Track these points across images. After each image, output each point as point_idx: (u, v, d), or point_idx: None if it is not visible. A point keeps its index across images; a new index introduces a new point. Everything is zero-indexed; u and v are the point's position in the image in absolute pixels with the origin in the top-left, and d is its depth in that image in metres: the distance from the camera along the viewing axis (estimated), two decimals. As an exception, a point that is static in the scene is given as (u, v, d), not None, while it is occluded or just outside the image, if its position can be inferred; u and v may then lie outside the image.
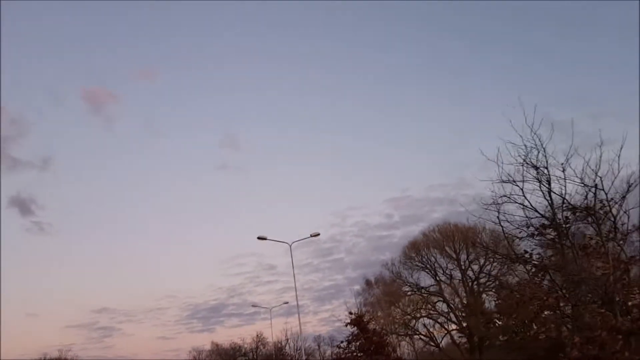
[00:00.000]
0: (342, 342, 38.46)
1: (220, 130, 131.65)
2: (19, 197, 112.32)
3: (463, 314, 52.54)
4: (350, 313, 38.57)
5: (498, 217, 13.98)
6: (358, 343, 36.98)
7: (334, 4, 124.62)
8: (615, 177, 13.50)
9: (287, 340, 49.81)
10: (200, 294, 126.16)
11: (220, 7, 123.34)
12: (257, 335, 56.48)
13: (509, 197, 13.81)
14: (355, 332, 37.43)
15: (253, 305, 61.26)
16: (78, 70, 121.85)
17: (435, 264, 54.28)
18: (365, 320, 37.77)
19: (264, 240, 41.04)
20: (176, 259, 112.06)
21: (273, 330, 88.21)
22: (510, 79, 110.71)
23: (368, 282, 64.59)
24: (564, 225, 14.55)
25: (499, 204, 13.88)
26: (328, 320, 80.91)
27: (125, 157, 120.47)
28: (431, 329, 53.64)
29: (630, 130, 14.08)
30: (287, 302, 56.86)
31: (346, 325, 38.40)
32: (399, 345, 54.20)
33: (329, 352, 61.17)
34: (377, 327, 40.25)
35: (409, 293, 54.75)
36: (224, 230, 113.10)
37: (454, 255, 53.59)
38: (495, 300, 53.77)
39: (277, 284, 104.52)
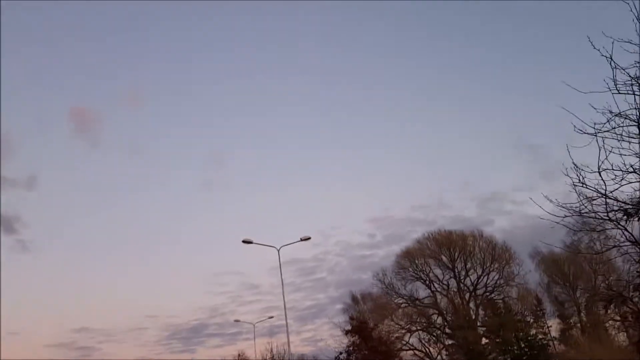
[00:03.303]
0: (340, 353, 34.27)
1: (206, 148, 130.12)
2: (4, 215, 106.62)
3: (459, 327, 49.35)
4: (352, 318, 34.52)
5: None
6: (361, 355, 32.85)
7: (314, 14, 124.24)
8: None
9: (273, 357, 45.03)
10: (181, 313, 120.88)
11: (205, 28, 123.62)
12: (239, 355, 51.51)
13: (626, 116, 9.87)
14: (357, 341, 33.41)
15: (236, 321, 56.36)
16: (65, 90, 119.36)
17: (430, 274, 51.23)
18: (369, 327, 33.66)
19: (250, 245, 36.95)
20: (158, 278, 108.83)
21: (256, 350, 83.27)
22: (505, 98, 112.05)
23: (354, 298, 60.80)
24: None
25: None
26: (311, 340, 76.95)
27: (110, 176, 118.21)
28: (426, 344, 50.03)
29: None
30: (272, 317, 52.59)
31: (346, 334, 34.35)
32: None
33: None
34: (382, 336, 36.04)
35: (403, 305, 51.22)
36: (206, 249, 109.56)
37: (450, 265, 50.73)
38: (484, 316, 51.20)
39: (260, 303, 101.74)
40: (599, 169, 9.58)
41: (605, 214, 10.77)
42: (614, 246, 11.09)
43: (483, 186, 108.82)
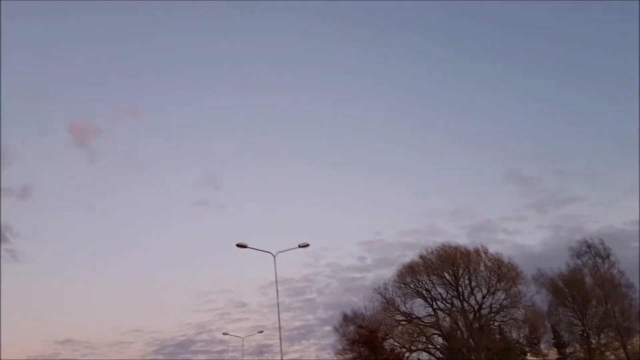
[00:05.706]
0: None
1: (202, 167, 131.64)
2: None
3: (460, 350, 46.84)
4: (360, 327, 31.86)
5: None
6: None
7: (313, 34, 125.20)
8: None
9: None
10: (168, 329, 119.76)
11: (204, 49, 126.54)
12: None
13: None
14: (365, 352, 30.72)
15: (224, 334, 53.97)
16: (65, 103, 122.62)
17: (433, 291, 48.92)
18: (379, 336, 31.02)
19: (244, 249, 34.46)
20: (146, 292, 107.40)
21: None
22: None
23: (346, 317, 57.83)
24: None
25: None
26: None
27: (105, 191, 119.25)
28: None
29: None
30: (262, 331, 49.97)
31: (353, 344, 31.68)
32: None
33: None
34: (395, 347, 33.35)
35: (403, 323, 48.59)
36: (197, 266, 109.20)
37: (453, 283, 48.46)
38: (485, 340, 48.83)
39: (248, 321, 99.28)
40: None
41: None
42: None
43: (474, 214, 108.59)
